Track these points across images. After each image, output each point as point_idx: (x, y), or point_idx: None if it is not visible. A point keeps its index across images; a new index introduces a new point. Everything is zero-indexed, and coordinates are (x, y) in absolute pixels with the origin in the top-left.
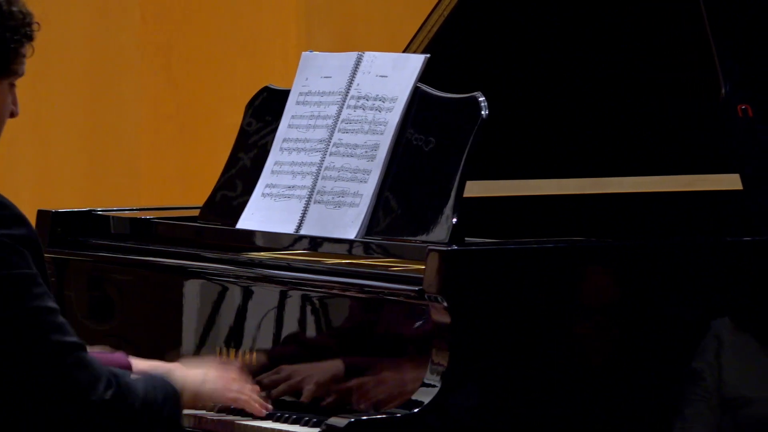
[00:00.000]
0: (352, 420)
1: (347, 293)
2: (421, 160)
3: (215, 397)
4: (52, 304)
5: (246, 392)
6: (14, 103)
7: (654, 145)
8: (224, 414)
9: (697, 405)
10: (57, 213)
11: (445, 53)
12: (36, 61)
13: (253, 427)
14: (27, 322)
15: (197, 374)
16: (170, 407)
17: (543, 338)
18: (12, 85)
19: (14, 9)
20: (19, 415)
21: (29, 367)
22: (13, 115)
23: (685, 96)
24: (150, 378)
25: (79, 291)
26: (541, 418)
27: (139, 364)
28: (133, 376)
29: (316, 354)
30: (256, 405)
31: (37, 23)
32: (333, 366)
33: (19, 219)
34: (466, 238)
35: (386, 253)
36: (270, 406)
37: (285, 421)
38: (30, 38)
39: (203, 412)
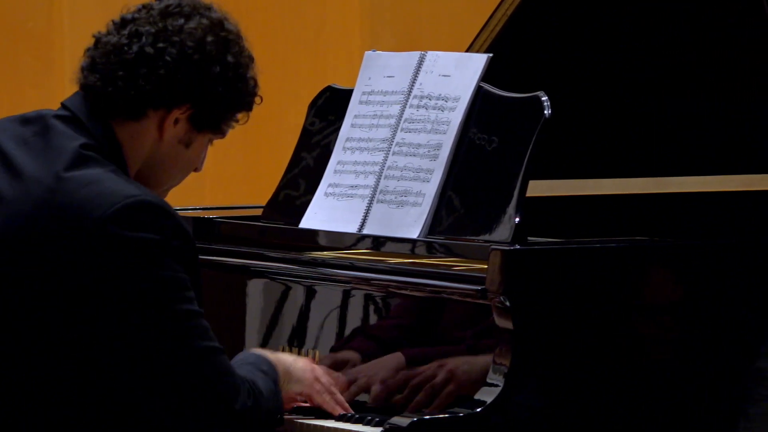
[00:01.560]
0: (415, 419)
1: (410, 293)
2: (484, 159)
3: (303, 381)
4: (197, 309)
5: (331, 390)
6: (202, 161)
7: (717, 145)
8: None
9: (762, 405)
10: None
11: (508, 52)
12: None
13: (315, 426)
14: (174, 325)
15: (287, 358)
16: (278, 394)
17: (605, 338)
18: (209, 142)
19: (249, 76)
20: (155, 424)
21: (173, 373)
22: (196, 170)
23: (750, 95)
24: (259, 368)
25: None
26: (603, 418)
27: None
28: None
29: (378, 353)
30: (337, 406)
31: (260, 97)
32: (395, 365)
33: (180, 231)
34: (529, 238)
35: (449, 252)
36: (350, 409)
37: (348, 420)
38: (249, 109)
39: None
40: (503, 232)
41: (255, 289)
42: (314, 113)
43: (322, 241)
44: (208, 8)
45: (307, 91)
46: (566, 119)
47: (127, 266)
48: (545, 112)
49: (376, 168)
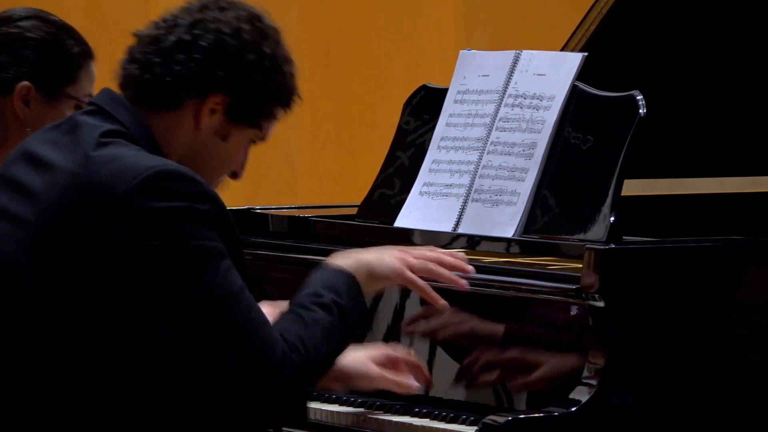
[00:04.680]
0: (510, 418)
1: (505, 291)
2: (579, 158)
3: (392, 275)
4: (236, 279)
5: (425, 267)
6: (242, 164)
7: None
8: (377, 411)
9: None
10: None
11: (603, 51)
12: None
13: (410, 425)
14: (208, 299)
15: (369, 257)
16: (350, 307)
17: (700, 337)
18: (251, 143)
19: (287, 70)
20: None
21: (208, 348)
22: (235, 176)
23: None
24: (316, 290)
25: None
26: (696, 419)
27: None
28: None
29: (472, 351)
30: (439, 298)
31: (300, 98)
32: (490, 364)
33: (207, 195)
34: (624, 237)
35: (543, 251)
36: (459, 281)
37: (442, 420)
38: (287, 105)
39: (351, 409)
40: (598, 231)
41: None
42: (409, 112)
43: (416, 241)
44: (246, 5)
45: (401, 91)
46: (662, 118)
47: (157, 237)
48: (640, 111)
49: (471, 167)
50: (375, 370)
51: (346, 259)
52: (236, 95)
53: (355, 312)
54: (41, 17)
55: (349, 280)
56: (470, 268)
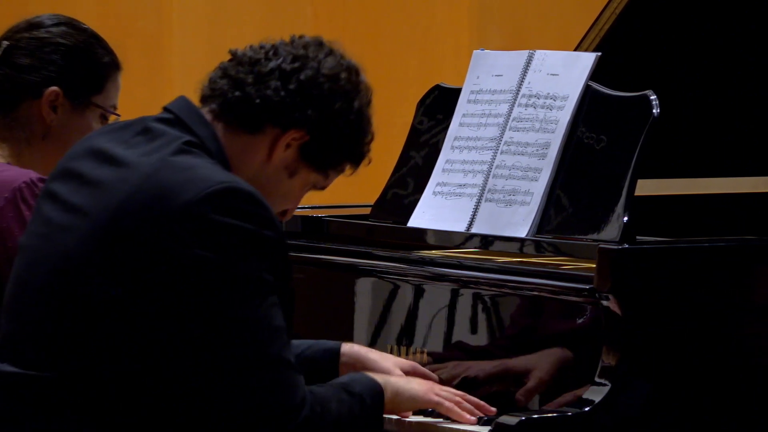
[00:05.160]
0: (523, 418)
1: (518, 291)
2: (592, 158)
3: (418, 399)
4: (277, 318)
5: (452, 398)
6: (294, 206)
7: None
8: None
9: None
10: None
11: (616, 51)
12: (211, 57)
13: (424, 424)
14: (245, 326)
15: (400, 376)
16: (370, 408)
17: (713, 337)
18: (312, 187)
19: (367, 128)
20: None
21: (233, 375)
22: (284, 214)
23: None
24: (348, 381)
25: None
26: (709, 419)
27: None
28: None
29: (486, 352)
30: (465, 414)
31: (369, 159)
32: (503, 363)
33: (273, 223)
34: (638, 237)
35: (557, 251)
36: (478, 413)
37: (455, 419)
38: (357, 162)
39: None
40: (612, 231)
41: (363, 288)
42: (422, 112)
43: (430, 240)
44: (349, 57)
45: (415, 90)
46: (675, 118)
47: (213, 250)
48: (654, 111)
49: (485, 167)
50: (432, 391)
51: (377, 376)
52: (315, 136)
53: (373, 419)
54: (73, 24)
55: (377, 390)
56: (493, 409)
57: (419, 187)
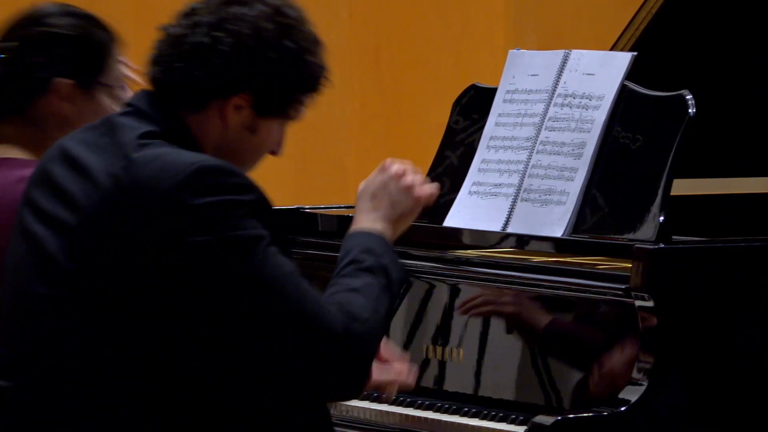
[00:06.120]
0: (559, 418)
1: (554, 291)
2: (628, 158)
3: (411, 215)
4: (284, 262)
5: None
6: (279, 143)
7: None
8: (426, 411)
9: None
10: None
11: (652, 51)
12: None
13: (459, 424)
14: (259, 284)
15: (378, 208)
16: (392, 265)
17: (750, 337)
18: (283, 125)
19: (311, 60)
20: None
21: (269, 333)
22: (273, 153)
23: None
24: (353, 256)
25: None
26: (746, 418)
27: None
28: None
29: (522, 351)
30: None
31: (329, 80)
32: (539, 363)
33: (250, 186)
34: (673, 237)
35: (593, 251)
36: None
37: (492, 419)
38: (314, 91)
39: (400, 409)
40: (648, 230)
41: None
42: (458, 112)
43: (465, 240)
44: None
45: (450, 90)
46: (711, 117)
47: (204, 233)
48: (690, 110)
49: (520, 167)
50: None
51: (366, 222)
52: (259, 93)
53: (396, 269)
54: (69, 12)
55: (379, 239)
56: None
57: (455, 186)
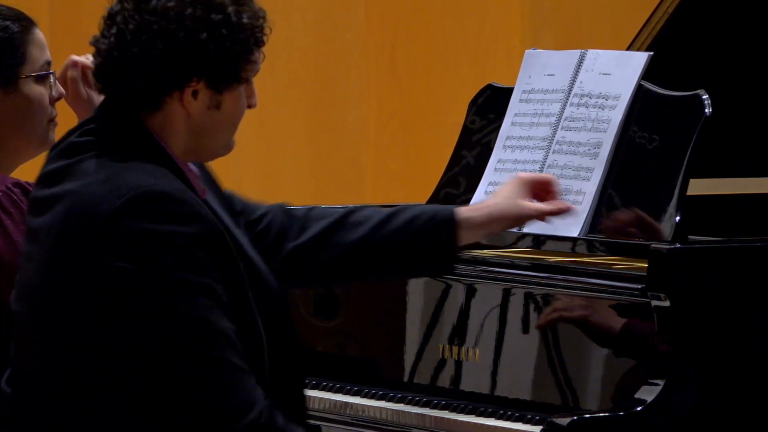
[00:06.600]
0: (575, 418)
1: (570, 291)
2: (645, 158)
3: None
4: (214, 320)
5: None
6: (250, 95)
7: None
8: (442, 410)
9: None
10: None
11: (669, 50)
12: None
13: (475, 424)
14: (179, 331)
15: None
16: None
17: (766, 337)
18: (248, 83)
19: (243, 20)
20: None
21: (175, 380)
22: (251, 106)
23: None
24: None
25: (305, 289)
26: (764, 419)
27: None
28: None
29: (537, 351)
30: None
31: (269, 27)
32: (555, 363)
33: (196, 216)
34: (690, 237)
35: (609, 250)
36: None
37: (508, 419)
38: (259, 45)
39: (416, 408)
40: (664, 230)
41: (415, 287)
42: (475, 111)
43: (482, 240)
44: None
45: (467, 90)
46: (727, 117)
47: (131, 261)
48: (706, 110)
49: (537, 166)
50: (528, 205)
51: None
52: (208, 74)
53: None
54: None
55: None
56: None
57: (471, 186)
